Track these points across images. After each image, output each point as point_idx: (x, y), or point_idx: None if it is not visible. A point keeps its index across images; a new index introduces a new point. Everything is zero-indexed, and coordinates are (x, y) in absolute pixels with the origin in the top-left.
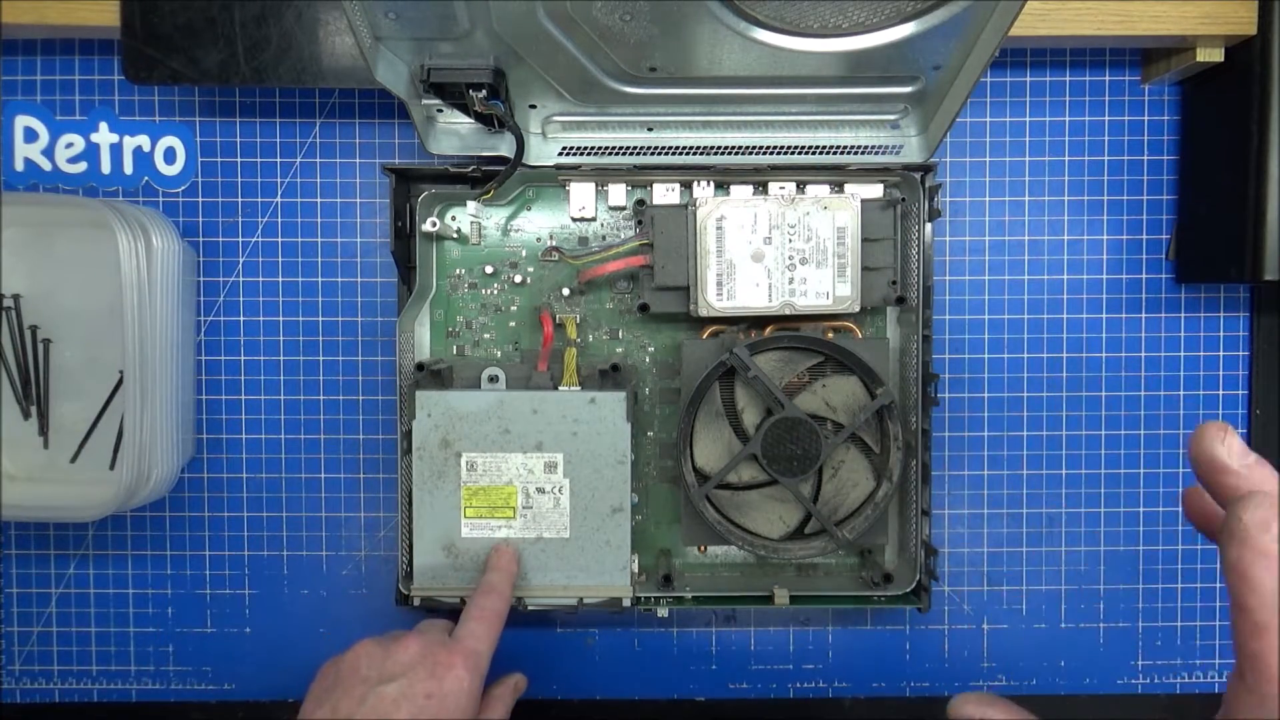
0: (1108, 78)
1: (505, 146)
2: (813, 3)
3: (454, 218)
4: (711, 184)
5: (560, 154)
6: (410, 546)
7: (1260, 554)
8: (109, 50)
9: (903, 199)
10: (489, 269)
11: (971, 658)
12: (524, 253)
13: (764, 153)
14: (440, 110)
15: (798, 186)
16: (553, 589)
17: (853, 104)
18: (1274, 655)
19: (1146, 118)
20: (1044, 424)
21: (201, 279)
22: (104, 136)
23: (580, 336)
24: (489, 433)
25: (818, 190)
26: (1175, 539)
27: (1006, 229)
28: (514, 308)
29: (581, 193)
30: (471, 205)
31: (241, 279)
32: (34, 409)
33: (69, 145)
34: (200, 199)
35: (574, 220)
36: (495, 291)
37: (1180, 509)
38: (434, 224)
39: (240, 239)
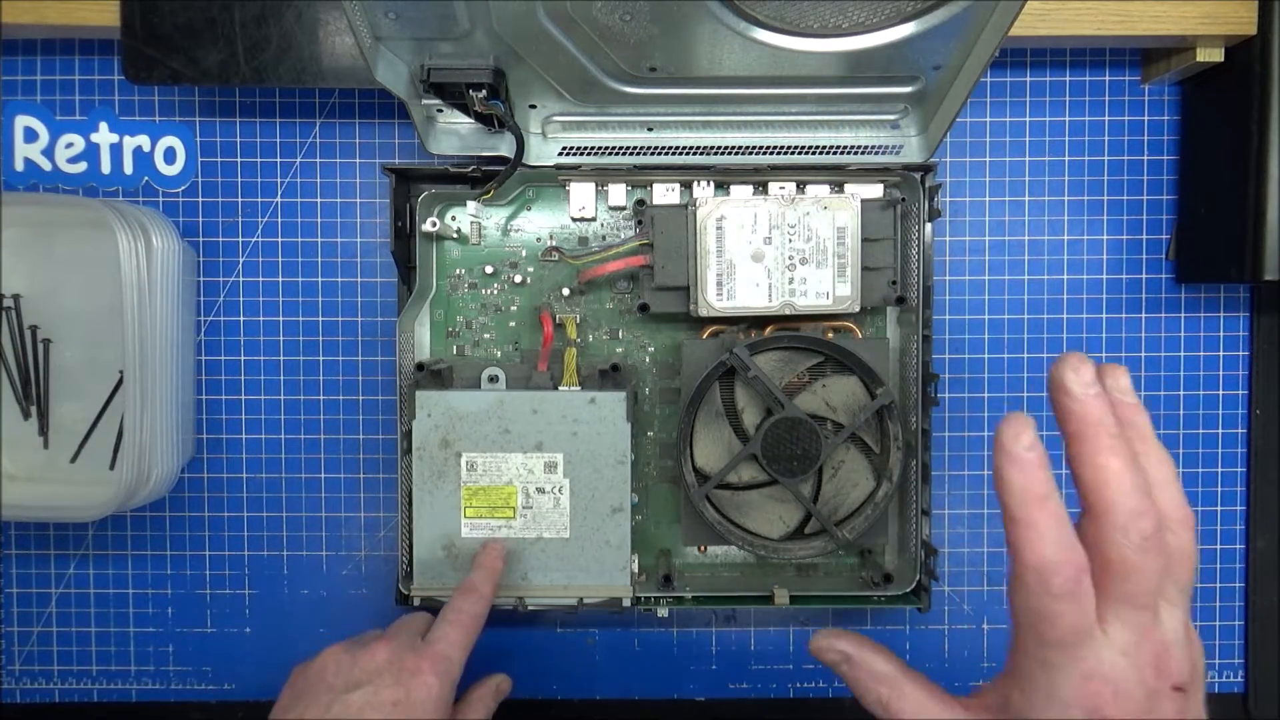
0: (1108, 78)
1: (505, 146)
2: (813, 3)
3: (454, 218)
4: (711, 184)
5: (560, 154)
6: (410, 546)
7: (1012, 460)
8: (109, 50)
9: (903, 199)
10: (489, 269)
11: (971, 658)
12: (524, 253)
13: (764, 153)
14: (440, 110)
15: (798, 186)
16: (553, 589)
17: (853, 104)
18: (1024, 542)
19: (1146, 118)
20: (1044, 424)
21: (201, 279)
22: (104, 136)
23: (580, 336)
24: (489, 433)
25: (818, 190)
26: None
27: (1006, 229)
28: (514, 308)
29: (581, 193)
30: (471, 205)
31: (241, 279)
32: (34, 409)
33: (69, 145)
34: (200, 199)
35: (574, 220)
36: (495, 291)
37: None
38: (434, 224)
39: (240, 239)
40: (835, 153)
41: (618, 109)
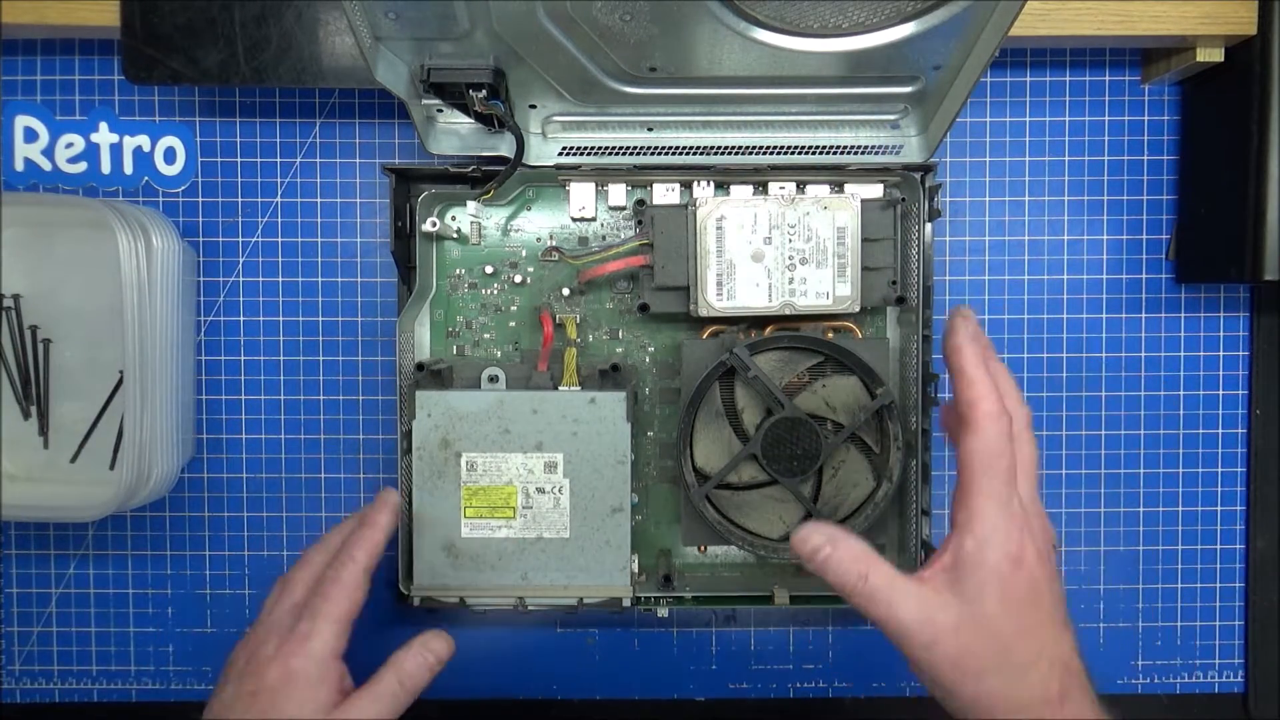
0: (1108, 78)
1: (505, 146)
2: (813, 3)
3: (454, 218)
4: (711, 184)
5: (560, 154)
6: (410, 546)
7: (969, 323)
8: (109, 50)
9: (903, 199)
10: (489, 269)
11: None
12: (524, 253)
13: (764, 153)
14: (440, 110)
15: (798, 186)
16: (553, 589)
17: (853, 104)
18: (981, 395)
19: (1146, 118)
20: (1044, 424)
21: (201, 279)
22: (104, 136)
23: (580, 336)
24: (489, 433)
25: (818, 190)
26: (1175, 539)
27: (1006, 229)
28: (514, 308)
29: (581, 193)
30: (471, 205)
31: (241, 279)
32: (34, 409)
33: (69, 145)
34: (200, 199)
35: (574, 220)
36: (495, 291)
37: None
38: (434, 224)
39: (240, 239)
40: (835, 153)
41: (618, 109)
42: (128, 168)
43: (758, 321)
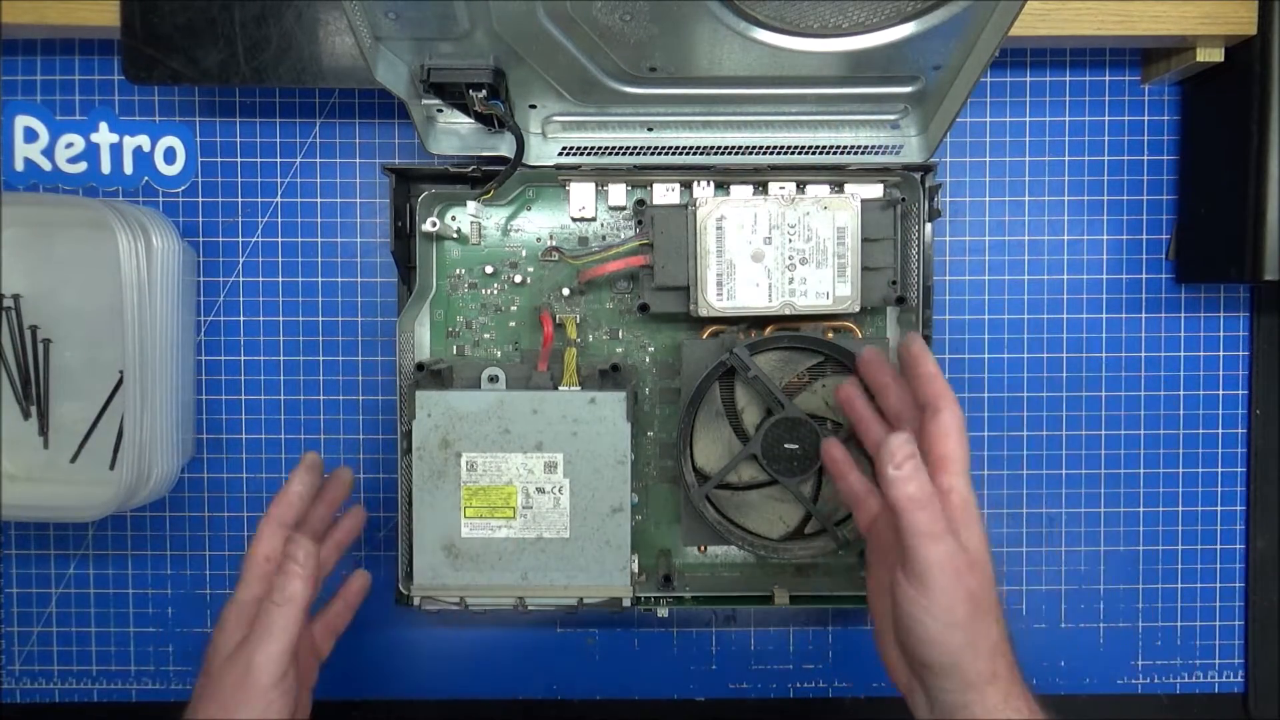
0: (1108, 78)
1: (505, 146)
2: (813, 3)
3: (454, 218)
4: (711, 184)
5: (560, 154)
6: (410, 546)
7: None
8: (109, 50)
9: (903, 199)
10: (489, 269)
11: None
12: (524, 253)
13: (764, 153)
14: (440, 110)
15: (798, 186)
16: (553, 589)
17: (853, 104)
18: (940, 435)
19: (1146, 118)
20: (1044, 424)
21: (201, 279)
22: (104, 136)
23: (580, 336)
24: (489, 433)
25: (818, 190)
26: (1175, 539)
27: (1006, 229)
28: (514, 308)
29: (581, 193)
30: (471, 205)
31: (241, 279)
32: (34, 409)
33: (69, 145)
34: (200, 199)
35: (574, 220)
36: (495, 291)
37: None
38: (434, 224)
39: (240, 239)
40: (835, 153)
41: (618, 109)
42: (128, 168)
43: (758, 321)
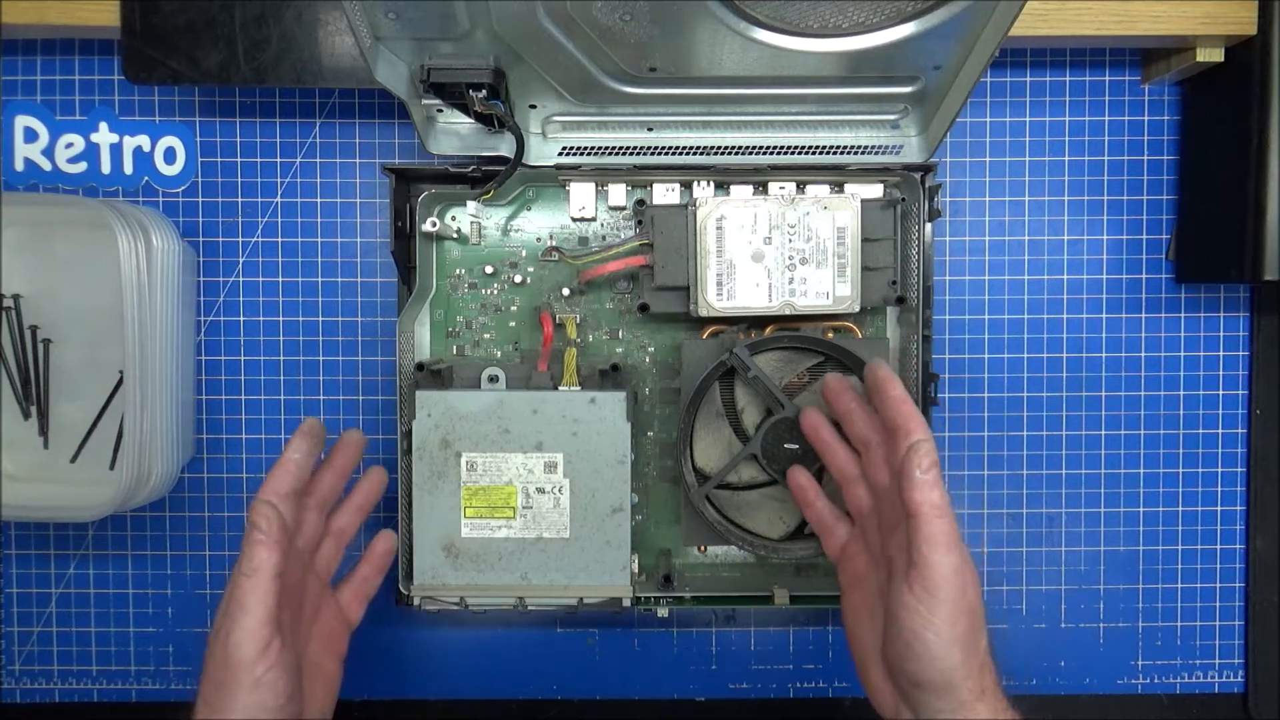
0: (1108, 78)
1: (505, 146)
2: (813, 3)
3: (454, 218)
4: (711, 184)
5: (560, 154)
6: (410, 546)
7: (895, 379)
8: (109, 50)
9: (903, 199)
10: (489, 269)
11: None
12: (524, 253)
13: (764, 153)
14: (440, 110)
15: (798, 186)
16: (553, 589)
17: (853, 104)
18: (924, 455)
19: (1146, 118)
20: (1044, 424)
21: (201, 279)
22: (104, 136)
23: (580, 336)
24: (489, 433)
25: (818, 190)
26: (1175, 539)
27: (1006, 229)
28: (514, 308)
29: (581, 193)
30: (471, 205)
31: (241, 279)
32: (34, 409)
33: (69, 145)
34: (200, 199)
35: (574, 220)
36: (495, 291)
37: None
38: (434, 224)
39: (240, 239)
40: (835, 153)
41: (618, 109)
42: (128, 168)
43: (758, 321)
